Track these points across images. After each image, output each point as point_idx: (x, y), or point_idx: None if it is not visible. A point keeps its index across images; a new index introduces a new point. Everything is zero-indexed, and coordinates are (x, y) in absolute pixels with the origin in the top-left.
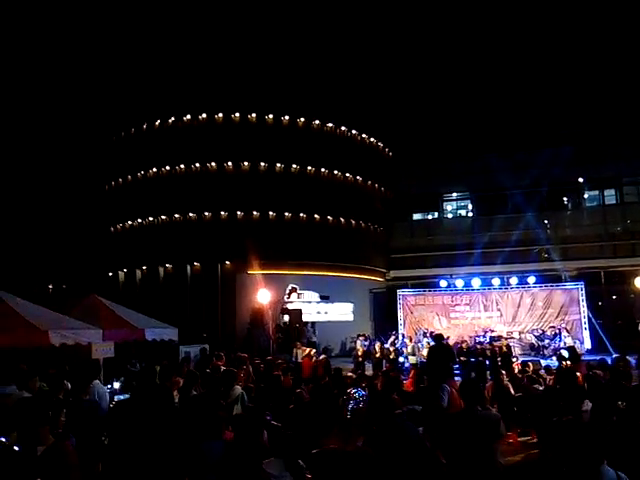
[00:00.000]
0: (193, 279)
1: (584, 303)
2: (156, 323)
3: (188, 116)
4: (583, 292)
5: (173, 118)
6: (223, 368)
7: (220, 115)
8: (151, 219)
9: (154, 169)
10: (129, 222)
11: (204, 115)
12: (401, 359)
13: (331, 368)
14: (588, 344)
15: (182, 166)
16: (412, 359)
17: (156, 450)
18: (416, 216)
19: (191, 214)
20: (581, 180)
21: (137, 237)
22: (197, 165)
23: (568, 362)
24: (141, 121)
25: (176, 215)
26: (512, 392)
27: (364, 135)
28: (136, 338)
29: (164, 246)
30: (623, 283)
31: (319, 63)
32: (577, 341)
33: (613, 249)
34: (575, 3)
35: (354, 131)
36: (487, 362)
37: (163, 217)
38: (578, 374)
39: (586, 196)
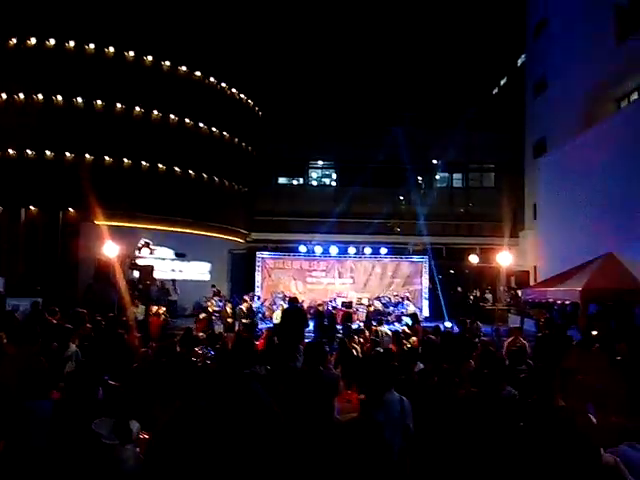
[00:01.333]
0: (28, 225)
1: (426, 275)
2: None
3: (33, 40)
4: (427, 265)
5: (15, 40)
6: (55, 323)
7: (71, 44)
8: None
9: None
10: None
11: (52, 41)
12: (257, 322)
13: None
14: (426, 312)
15: (21, 95)
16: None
17: None
18: (281, 180)
19: (29, 151)
20: (435, 162)
21: None
22: (40, 97)
23: (405, 327)
24: None
25: (10, 151)
26: (357, 354)
27: (234, 90)
28: None
29: None
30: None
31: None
32: (417, 309)
33: (456, 228)
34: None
35: (224, 84)
36: (337, 326)
37: None
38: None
39: (438, 177)
